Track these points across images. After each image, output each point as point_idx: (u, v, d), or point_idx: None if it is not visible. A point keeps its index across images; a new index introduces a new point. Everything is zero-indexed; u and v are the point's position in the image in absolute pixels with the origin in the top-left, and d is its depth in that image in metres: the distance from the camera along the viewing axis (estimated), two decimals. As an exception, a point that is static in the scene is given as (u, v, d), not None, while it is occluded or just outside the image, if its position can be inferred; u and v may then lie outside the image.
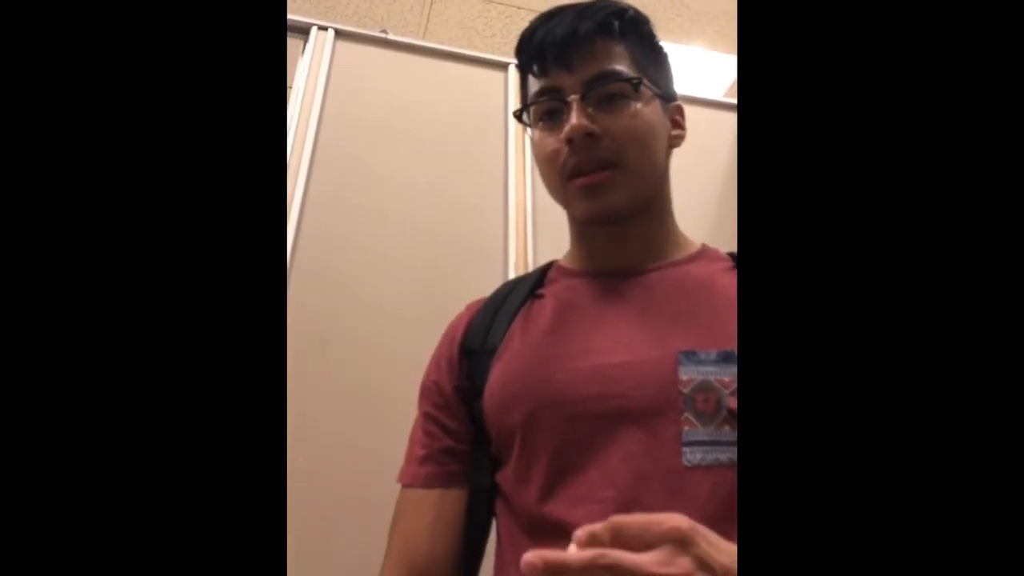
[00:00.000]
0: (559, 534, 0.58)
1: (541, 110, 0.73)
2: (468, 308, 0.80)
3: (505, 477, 0.68)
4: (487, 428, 0.70)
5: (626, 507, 0.56)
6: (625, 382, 0.64)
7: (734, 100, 1.90)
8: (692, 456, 0.61)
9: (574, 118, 0.68)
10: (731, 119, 1.85)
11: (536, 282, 0.78)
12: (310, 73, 1.55)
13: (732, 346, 0.65)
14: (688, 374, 0.64)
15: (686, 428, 0.62)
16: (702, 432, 0.62)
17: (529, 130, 0.76)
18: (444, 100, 1.65)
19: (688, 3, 2.78)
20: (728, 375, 0.64)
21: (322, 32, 1.61)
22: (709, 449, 0.62)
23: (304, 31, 1.61)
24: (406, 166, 1.56)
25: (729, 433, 0.62)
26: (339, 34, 1.63)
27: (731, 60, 3.11)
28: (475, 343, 0.74)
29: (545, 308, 0.74)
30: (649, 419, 0.62)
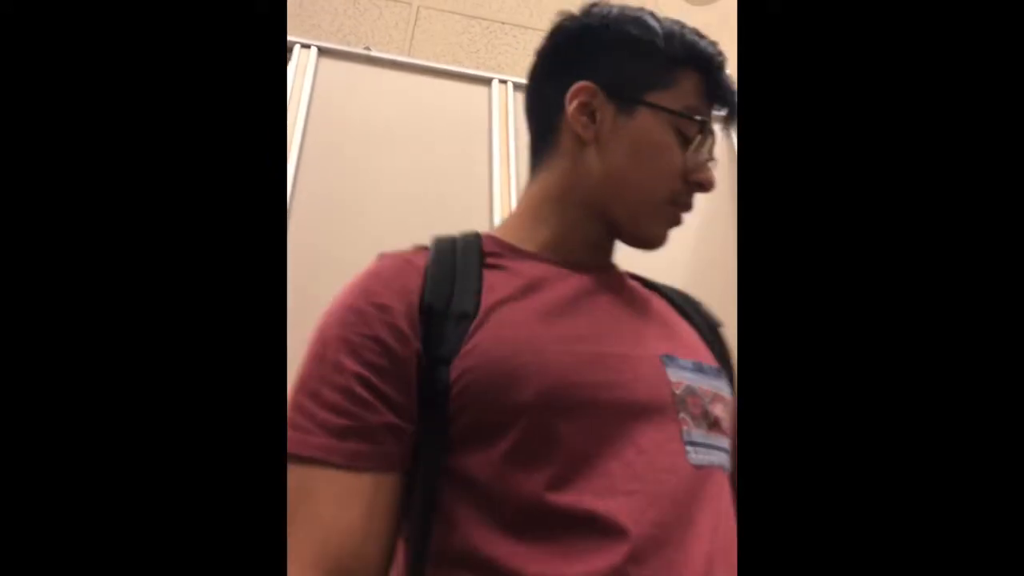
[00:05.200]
0: (573, 525, 0.54)
1: (686, 125, 0.70)
2: (406, 261, 0.66)
3: (485, 461, 0.58)
4: (450, 403, 0.58)
5: (655, 502, 0.56)
6: (625, 373, 0.62)
7: (715, 112, 1.92)
8: (695, 456, 0.61)
9: (713, 175, 0.71)
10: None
11: (478, 252, 0.68)
12: (293, 91, 1.55)
13: (698, 357, 0.69)
14: (675, 377, 0.64)
15: (685, 427, 0.62)
16: (697, 433, 0.62)
17: (640, 111, 0.70)
18: (428, 116, 1.66)
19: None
20: (704, 384, 0.66)
21: (305, 50, 1.61)
22: (705, 451, 0.62)
23: (287, 49, 1.61)
24: (391, 182, 1.55)
25: (715, 438, 0.63)
26: (322, 52, 1.63)
27: (713, 73, 3.13)
28: (438, 303, 0.61)
29: (514, 283, 0.66)
30: (651, 415, 0.61)
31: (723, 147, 1.83)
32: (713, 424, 0.65)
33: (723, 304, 1.80)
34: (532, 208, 0.74)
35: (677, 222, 0.72)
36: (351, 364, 0.57)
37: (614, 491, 0.56)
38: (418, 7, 2.77)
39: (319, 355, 0.59)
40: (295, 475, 0.52)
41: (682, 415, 0.62)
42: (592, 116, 0.70)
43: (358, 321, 0.59)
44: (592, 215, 0.72)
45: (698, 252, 1.67)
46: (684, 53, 0.71)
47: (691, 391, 0.65)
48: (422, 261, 0.65)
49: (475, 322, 0.61)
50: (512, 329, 0.61)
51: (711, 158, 0.72)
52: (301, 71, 1.58)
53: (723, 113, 0.74)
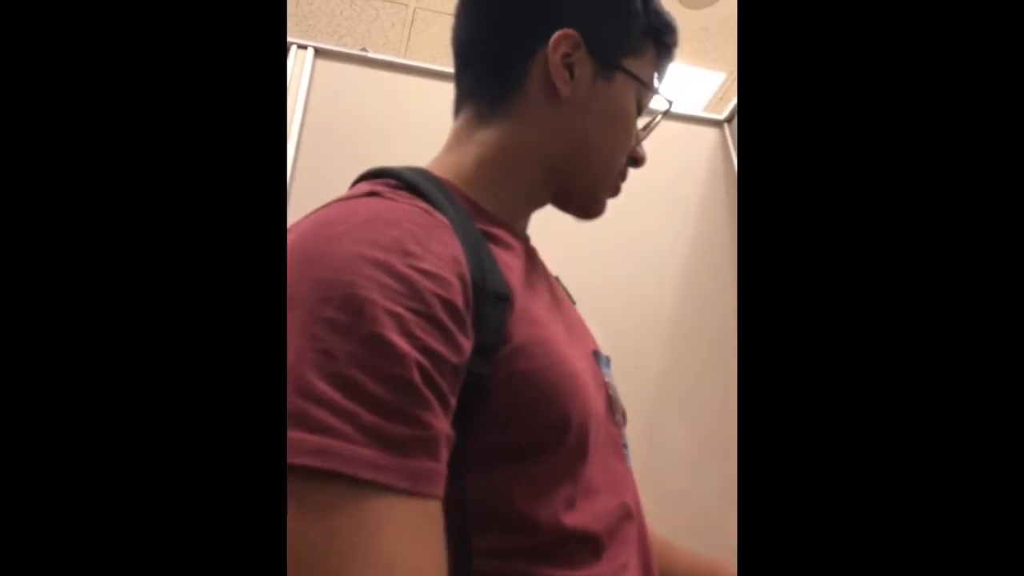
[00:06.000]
0: (582, 547, 0.51)
1: (649, 97, 0.69)
2: (429, 213, 0.50)
3: (519, 482, 0.49)
4: (485, 408, 0.47)
5: (625, 513, 0.57)
6: (594, 379, 0.59)
7: (713, 115, 1.92)
8: (629, 458, 0.63)
9: (646, 152, 0.70)
10: (711, 133, 1.87)
11: (463, 210, 0.56)
12: (289, 91, 1.54)
13: (598, 347, 0.67)
14: (605, 376, 0.63)
15: (622, 430, 0.63)
16: (625, 434, 0.64)
17: (617, 76, 0.65)
18: (424, 117, 1.65)
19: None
20: (612, 379, 0.65)
21: (301, 51, 1.61)
22: (628, 451, 0.63)
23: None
24: (388, 183, 1.55)
25: (626, 436, 0.64)
26: (319, 52, 1.62)
27: (709, 75, 3.15)
28: (479, 277, 0.48)
29: (514, 260, 0.58)
30: (606, 420, 0.59)
31: (720, 148, 1.84)
32: (626, 421, 0.65)
33: (720, 297, 1.79)
34: (486, 159, 0.63)
35: (617, 192, 0.70)
36: (407, 347, 0.40)
37: (599, 509, 0.54)
38: (414, 8, 2.77)
39: (345, 325, 0.39)
40: (334, 501, 0.36)
41: (617, 417, 0.62)
42: (571, 71, 0.63)
43: (406, 290, 0.42)
44: (548, 178, 0.65)
45: (697, 249, 1.67)
46: (658, 22, 0.67)
47: (614, 389, 0.64)
48: (439, 215, 0.51)
49: (512, 311, 0.50)
50: (542, 328, 0.53)
51: (646, 134, 0.71)
52: (297, 72, 1.58)
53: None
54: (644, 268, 1.62)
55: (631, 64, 0.65)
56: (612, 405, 0.61)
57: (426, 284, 0.43)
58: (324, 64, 1.62)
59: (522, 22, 0.64)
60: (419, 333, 0.41)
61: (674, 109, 1.83)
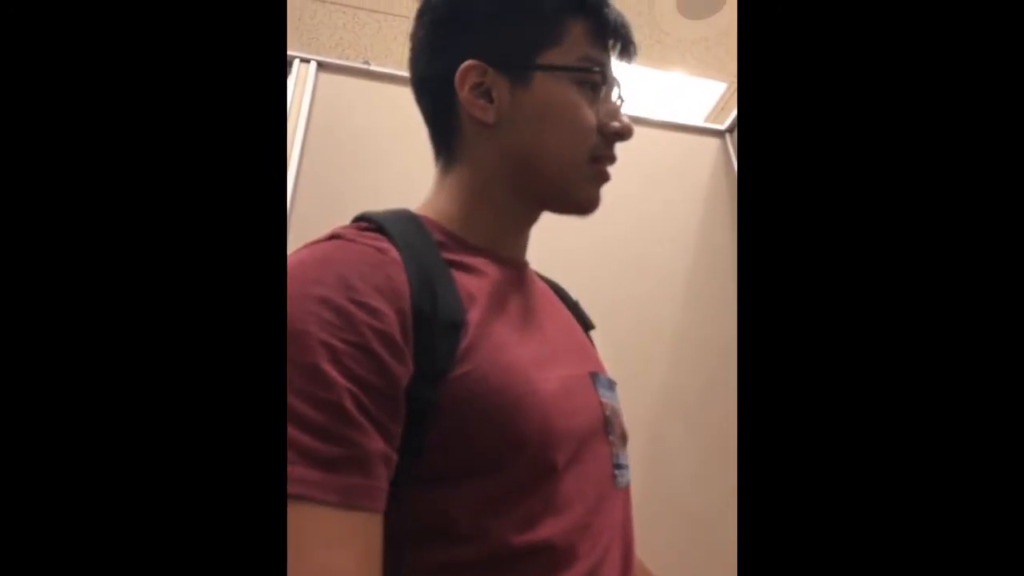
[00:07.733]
0: (542, 561, 0.52)
1: (588, 77, 0.65)
2: (380, 251, 0.54)
3: (466, 500, 0.51)
4: (433, 431, 0.51)
5: (601, 530, 0.57)
6: (580, 397, 0.61)
7: (714, 125, 1.93)
8: (621, 479, 0.62)
9: (627, 119, 0.67)
10: (711, 143, 1.87)
11: (432, 240, 0.61)
12: (292, 105, 1.55)
13: (602, 369, 0.68)
14: (603, 397, 0.64)
15: (614, 450, 0.63)
16: (621, 455, 0.64)
17: (536, 77, 0.64)
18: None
19: (667, 30, 2.83)
20: (616, 401, 0.67)
21: (304, 64, 1.62)
22: (625, 472, 0.64)
23: (287, 63, 1.62)
24: (389, 194, 1.55)
25: (627, 456, 0.65)
26: (321, 66, 1.64)
27: (710, 86, 3.16)
28: (426, 307, 0.52)
29: (484, 288, 0.60)
30: (592, 439, 0.60)
31: (721, 156, 1.84)
32: (626, 442, 0.66)
33: (723, 308, 1.79)
34: (456, 199, 0.67)
35: (605, 178, 0.68)
36: (338, 376, 0.45)
37: (572, 523, 0.54)
38: (416, 21, 2.79)
39: (287, 357, 0.45)
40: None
41: (611, 437, 0.62)
42: (488, 96, 0.65)
43: (341, 323, 0.47)
44: (516, 197, 0.67)
45: (700, 259, 1.67)
46: (566, 1, 0.66)
47: (614, 411, 0.65)
48: (393, 252, 0.54)
49: (465, 337, 0.54)
50: (503, 353, 0.55)
51: (621, 102, 0.68)
52: (300, 85, 1.59)
53: (617, 50, 0.68)
54: (646, 278, 1.62)
55: (550, 57, 0.64)
56: (607, 426, 0.62)
57: (362, 317, 0.48)
58: (327, 78, 1.63)
59: (435, 72, 0.67)
60: (350, 363, 0.46)
61: (675, 119, 1.83)
